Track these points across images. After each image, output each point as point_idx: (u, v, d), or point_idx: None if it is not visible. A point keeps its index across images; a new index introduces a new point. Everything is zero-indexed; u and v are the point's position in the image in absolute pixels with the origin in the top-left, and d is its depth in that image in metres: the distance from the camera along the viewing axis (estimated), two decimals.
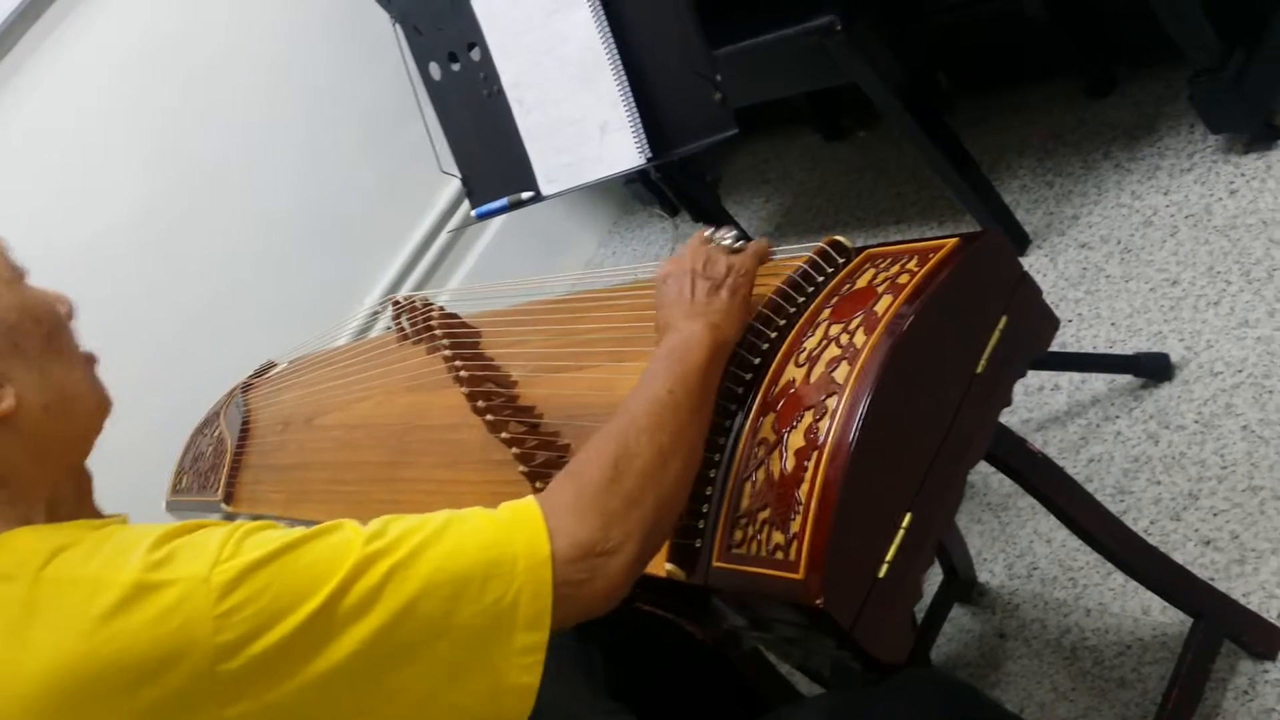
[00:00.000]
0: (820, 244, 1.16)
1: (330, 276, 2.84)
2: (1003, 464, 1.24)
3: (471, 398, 1.35)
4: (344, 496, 1.59)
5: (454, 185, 2.86)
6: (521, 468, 1.23)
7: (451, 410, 1.42)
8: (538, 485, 1.20)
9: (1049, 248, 2.12)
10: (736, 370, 1.08)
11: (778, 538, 0.96)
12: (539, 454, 1.23)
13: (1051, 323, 1.14)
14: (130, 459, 2.31)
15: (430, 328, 1.60)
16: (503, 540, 0.84)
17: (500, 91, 1.63)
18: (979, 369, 1.04)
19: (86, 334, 2.56)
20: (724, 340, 1.05)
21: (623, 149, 1.48)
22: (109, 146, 2.55)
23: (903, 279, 1.05)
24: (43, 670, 0.72)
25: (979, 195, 2.11)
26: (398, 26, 1.76)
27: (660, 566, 1.05)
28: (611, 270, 3.10)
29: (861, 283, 1.09)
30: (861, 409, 0.96)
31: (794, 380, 1.04)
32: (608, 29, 1.47)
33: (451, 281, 3.04)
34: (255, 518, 1.82)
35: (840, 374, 1.00)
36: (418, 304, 1.73)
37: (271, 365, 2.26)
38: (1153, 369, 1.77)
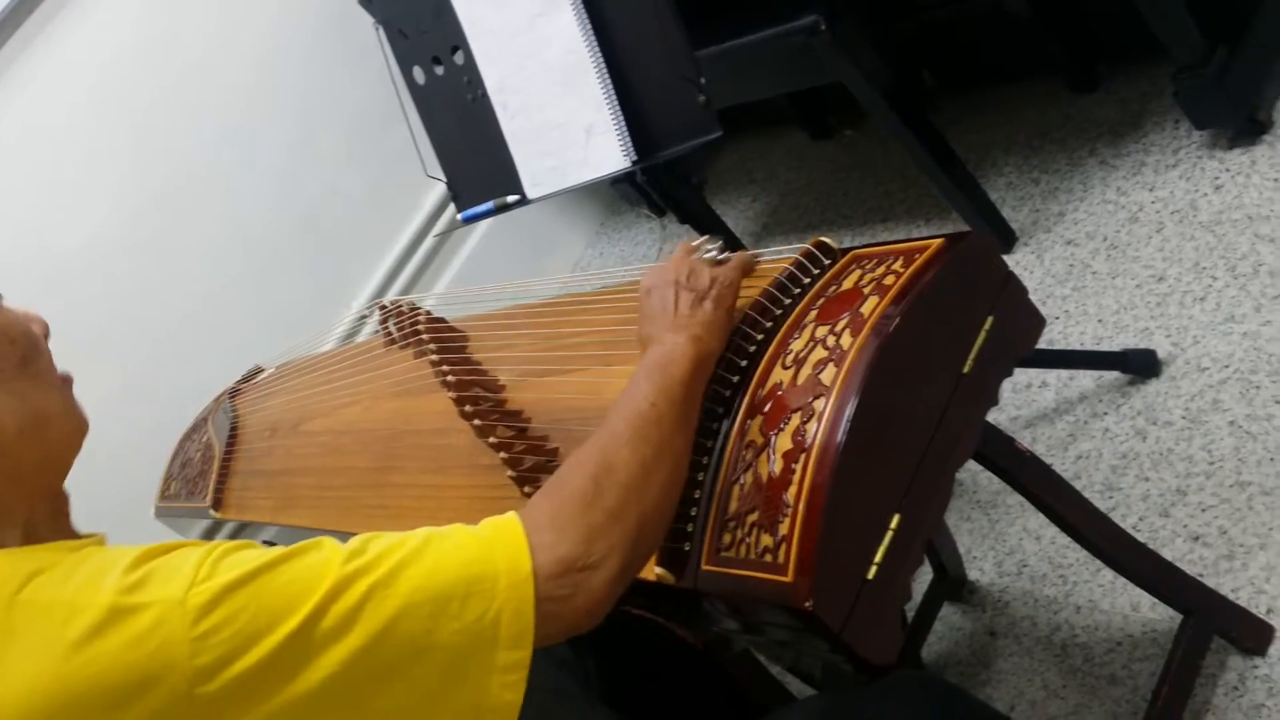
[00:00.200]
0: (806, 245, 1.16)
1: (317, 281, 2.83)
2: (991, 463, 1.24)
3: (459, 402, 1.35)
4: (332, 502, 1.59)
5: (440, 189, 2.85)
6: (510, 472, 1.22)
7: (439, 415, 1.42)
8: (526, 490, 1.20)
9: (1035, 245, 2.12)
10: (723, 373, 1.08)
11: (766, 540, 0.96)
12: (527, 458, 1.23)
13: (1038, 322, 1.14)
14: (119, 465, 2.31)
15: (417, 332, 1.60)
16: (484, 557, 0.84)
17: (484, 95, 1.62)
18: (966, 369, 1.04)
19: (73, 339, 2.55)
20: (707, 352, 1.05)
21: (607, 152, 1.48)
22: (94, 150, 2.54)
23: (889, 280, 1.05)
24: (18, 696, 0.71)
25: (965, 193, 2.11)
26: (381, 30, 1.76)
27: (650, 570, 1.04)
28: (599, 272, 3.10)
29: (848, 284, 1.09)
30: (848, 411, 0.96)
31: (781, 382, 1.03)
32: (591, 32, 1.47)
33: (438, 285, 3.04)
34: (244, 524, 1.82)
35: (827, 376, 0.99)
36: (404, 308, 1.73)
37: (259, 370, 2.26)
38: (1140, 365, 1.78)
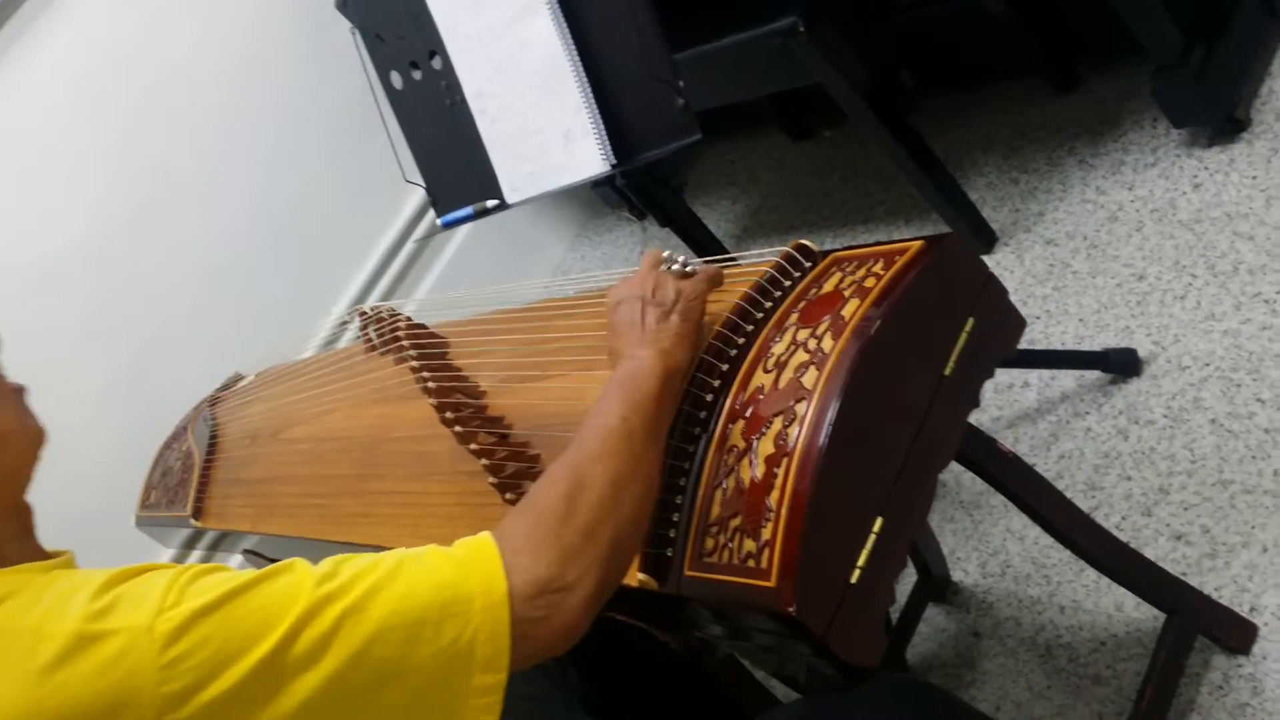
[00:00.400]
0: (786, 248, 1.16)
1: (297, 287, 2.82)
2: (973, 464, 1.24)
3: (440, 409, 1.34)
4: (313, 510, 1.58)
5: (419, 194, 2.84)
6: (491, 479, 1.22)
7: (420, 422, 1.41)
8: (508, 496, 1.19)
9: (1015, 245, 2.12)
10: (705, 377, 1.07)
11: (749, 545, 0.96)
12: (509, 465, 1.22)
13: (1019, 323, 1.14)
14: (99, 474, 2.31)
15: (397, 338, 1.59)
16: (458, 580, 0.82)
17: (463, 100, 1.62)
18: (947, 371, 1.04)
19: (51, 347, 2.55)
20: (676, 366, 1.04)
21: (587, 156, 1.48)
22: (70, 157, 2.52)
23: (869, 282, 1.04)
24: None
25: (945, 194, 2.11)
26: (358, 35, 1.75)
27: (633, 576, 1.04)
28: (580, 276, 3.09)
29: (828, 287, 1.08)
30: (830, 414, 0.95)
31: (763, 386, 1.03)
32: (569, 36, 1.46)
33: (419, 290, 3.03)
34: (225, 533, 1.81)
35: (809, 379, 0.99)
36: (384, 314, 1.72)
37: (239, 378, 2.24)
38: (1121, 364, 1.78)
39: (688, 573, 1.01)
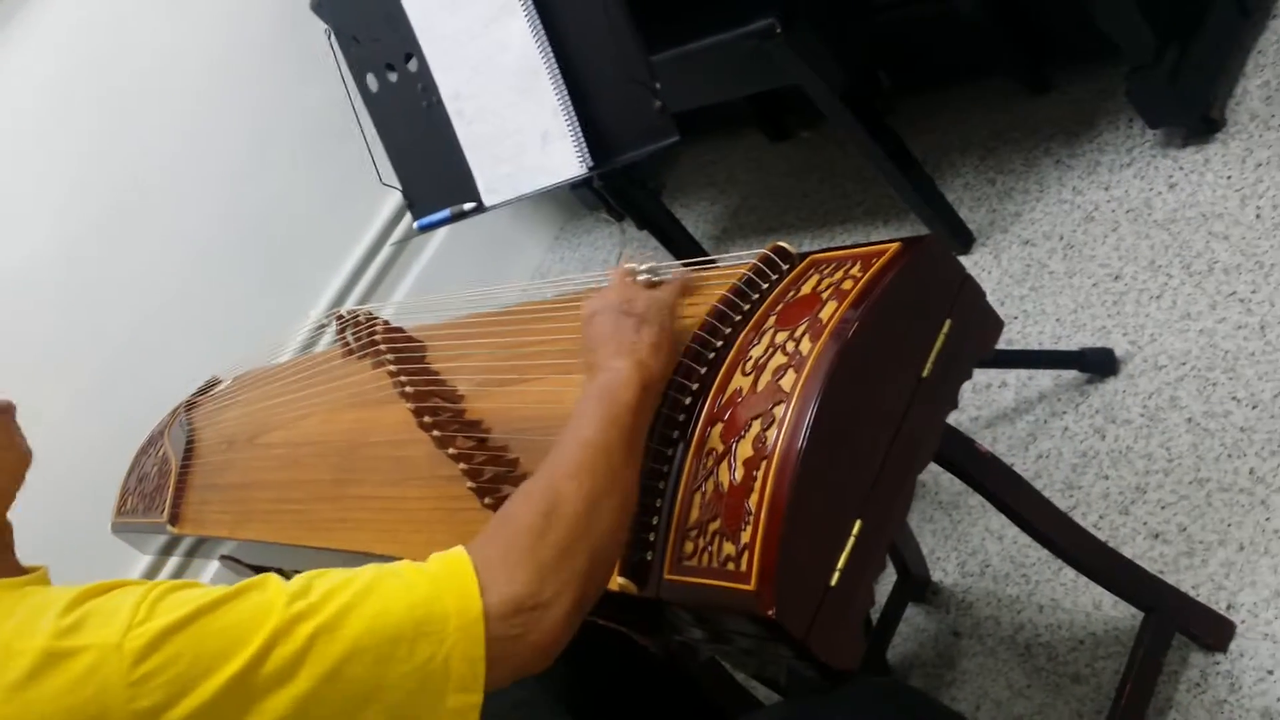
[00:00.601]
0: (764, 250, 1.16)
1: (273, 291, 2.81)
2: (952, 465, 1.24)
3: (417, 413, 1.34)
4: (291, 515, 1.57)
5: (396, 197, 2.84)
6: (469, 483, 1.21)
7: (398, 426, 1.41)
8: (486, 501, 1.19)
9: (993, 245, 2.13)
10: (683, 380, 1.07)
11: (728, 549, 0.96)
12: (487, 469, 1.22)
13: (996, 324, 1.14)
14: (75, 480, 2.29)
15: (375, 342, 1.58)
16: (433, 598, 0.82)
17: (439, 102, 1.61)
18: (925, 372, 1.04)
19: (23, 353, 2.53)
20: (652, 377, 1.04)
21: (564, 158, 1.47)
22: (41, 160, 2.51)
23: (846, 284, 1.04)
24: None
25: (922, 194, 2.12)
26: (333, 37, 1.74)
27: (612, 580, 1.03)
28: (559, 279, 3.09)
29: (806, 289, 1.08)
30: (809, 417, 0.95)
31: (741, 389, 1.03)
32: (545, 38, 1.46)
33: (397, 293, 3.02)
34: (202, 539, 1.80)
35: (787, 382, 0.99)
36: (361, 318, 1.71)
37: (216, 382, 2.23)
38: (1098, 364, 1.79)
39: (667, 576, 1.01)
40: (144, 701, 0.71)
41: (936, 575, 1.78)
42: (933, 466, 1.13)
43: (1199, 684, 1.42)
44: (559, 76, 1.46)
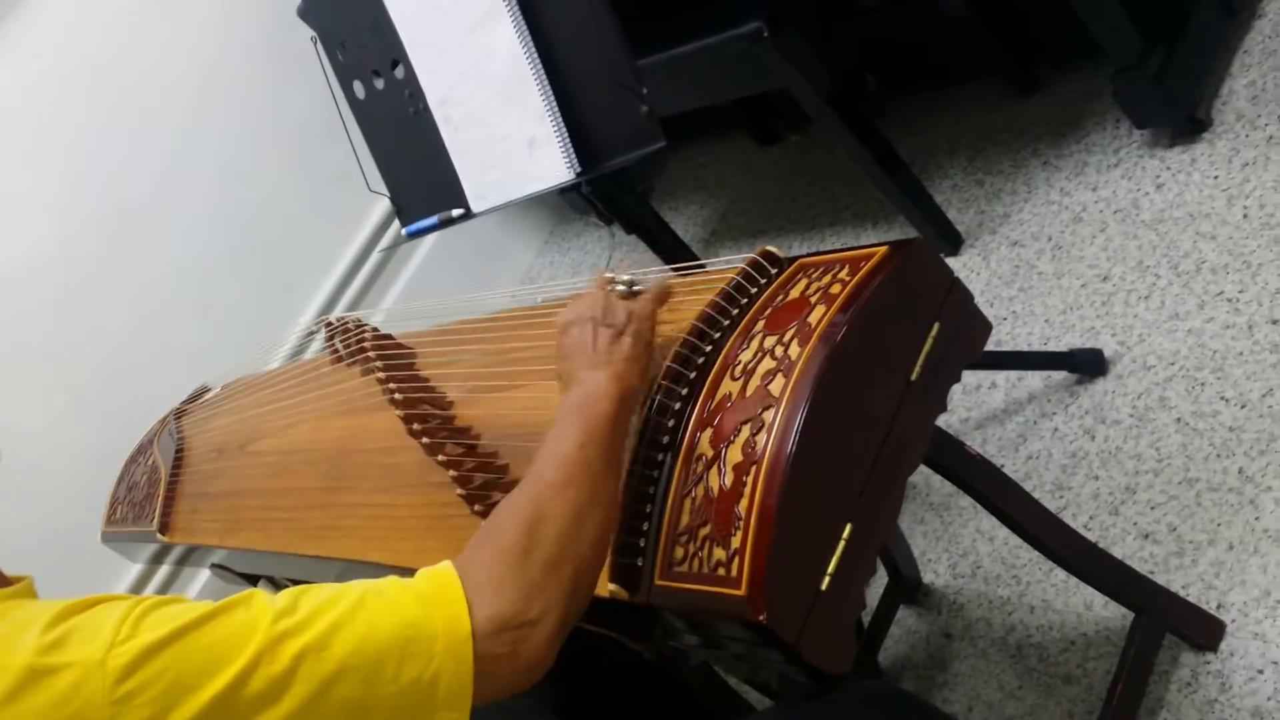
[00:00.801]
0: (752, 255, 1.16)
1: (262, 298, 2.80)
2: (942, 468, 1.24)
3: (406, 420, 1.34)
4: (281, 523, 1.57)
5: (384, 203, 2.84)
6: (459, 490, 1.21)
7: (388, 433, 1.41)
8: (476, 508, 1.19)
9: (981, 247, 2.13)
10: (672, 386, 1.07)
11: (719, 554, 0.96)
12: (476, 476, 1.22)
13: (984, 326, 1.14)
14: (63, 490, 2.28)
15: (364, 349, 1.58)
16: (420, 617, 0.81)
17: (426, 109, 1.61)
18: (914, 376, 1.04)
19: (11, 361, 2.51)
20: (629, 388, 1.03)
21: (551, 164, 1.47)
22: (31, 167, 2.50)
23: (835, 289, 1.05)
24: None
25: (911, 197, 2.12)
26: (319, 44, 1.74)
27: (603, 586, 1.03)
28: (546, 284, 3.09)
29: (794, 293, 1.08)
30: (798, 421, 0.96)
31: (730, 394, 1.03)
32: (531, 44, 1.46)
33: (386, 299, 3.01)
34: (192, 548, 1.80)
35: (776, 386, 0.99)
36: (350, 325, 1.71)
37: (205, 390, 2.23)
38: (1087, 365, 1.79)
39: (658, 582, 1.01)
40: (127, 719, 0.71)
41: (928, 577, 1.78)
42: (923, 468, 1.14)
43: (1190, 684, 1.42)
44: (545, 82, 1.46)
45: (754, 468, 0.96)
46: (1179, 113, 1.91)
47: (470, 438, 1.30)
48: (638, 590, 1.03)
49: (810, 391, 0.97)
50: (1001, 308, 2.00)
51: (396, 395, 1.39)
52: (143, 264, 2.63)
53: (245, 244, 2.79)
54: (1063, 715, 1.51)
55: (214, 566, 1.85)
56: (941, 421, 1.14)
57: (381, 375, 1.47)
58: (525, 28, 1.45)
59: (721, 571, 0.95)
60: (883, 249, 1.07)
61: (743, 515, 0.95)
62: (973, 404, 1.92)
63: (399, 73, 1.64)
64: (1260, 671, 1.38)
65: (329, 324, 1.81)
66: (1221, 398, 1.62)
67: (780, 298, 1.10)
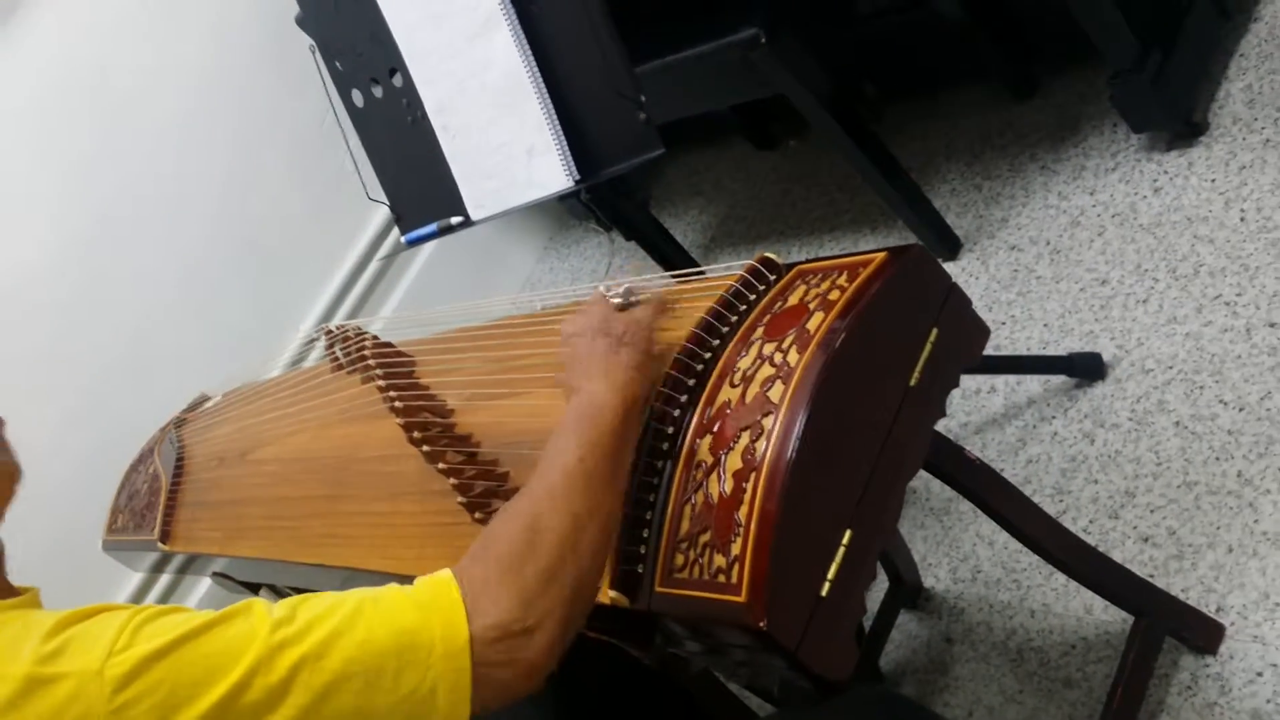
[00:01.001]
0: (751, 261, 1.16)
1: (262, 306, 2.81)
2: (941, 473, 1.25)
3: (407, 428, 1.34)
4: (281, 532, 1.57)
5: (384, 211, 2.85)
6: (460, 498, 1.21)
7: (388, 441, 1.41)
8: (477, 516, 1.19)
9: (980, 251, 2.14)
10: (671, 393, 1.07)
11: (719, 561, 0.96)
12: (477, 483, 1.22)
13: (982, 332, 1.14)
14: (65, 498, 2.28)
15: (364, 357, 1.58)
16: (419, 626, 0.82)
17: (424, 117, 1.61)
18: (912, 381, 1.05)
19: (11, 371, 2.51)
20: (631, 398, 1.03)
21: (550, 172, 1.48)
22: (30, 175, 2.51)
23: (833, 295, 1.05)
24: None
25: (909, 201, 2.13)
26: (317, 52, 1.74)
27: (604, 593, 1.04)
28: (546, 291, 3.09)
29: (793, 300, 1.09)
30: (797, 428, 0.96)
31: (729, 401, 1.03)
32: (529, 52, 1.46)
33: (386, 307, 3.01)
34: (193, 556, 1.80)
35: (775, 393, 0.99)
36: (350, 333, 1.71)
37: (205, 398, 2.23)
38: (1086, 369, 1.79)
39: (658, 589, 1.01)
40: None
41: (928, 582, 1.78)
42: (923, 473, 1.14)
43: (1190, 687, 1.43)
44: (544, 90, 1.47)
45: (754, 474, 0.96)
46: (1176, 116, 1.92)
47: (471, 445, 1.30)
48: (638, 597, 1.03)
49: (809, 398, 0.97)
50: (1000, 312, 2.01)
51: (396, 403, 1.39)
52: (142, 273, 2.64)
53: (245, 252, 2.79)
54: (1063, 719, 1.52)
55: (215, 575, 1.86)
56: (941, 426, 1.14)
57: (381, 383, 1.47)
58: (523, 36, 1.46)
59: (722, 578, 0.95)
60: (881, 255, 1.07)
61: (743, 522, 0.95)
62: (972, 409, 1.92)
63: (397, 81, 1.64)
64: (1260, 674, 1.39)
65: (329, 332, 1.81)
66: (1220, 401, 1.62)
67: (779, 304, 1.10)
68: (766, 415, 0.98)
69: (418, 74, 1.60)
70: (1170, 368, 1.71)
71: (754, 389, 1.01)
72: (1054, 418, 1.80)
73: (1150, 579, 1.47)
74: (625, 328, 1.09)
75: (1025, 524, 1.31)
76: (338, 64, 1.74)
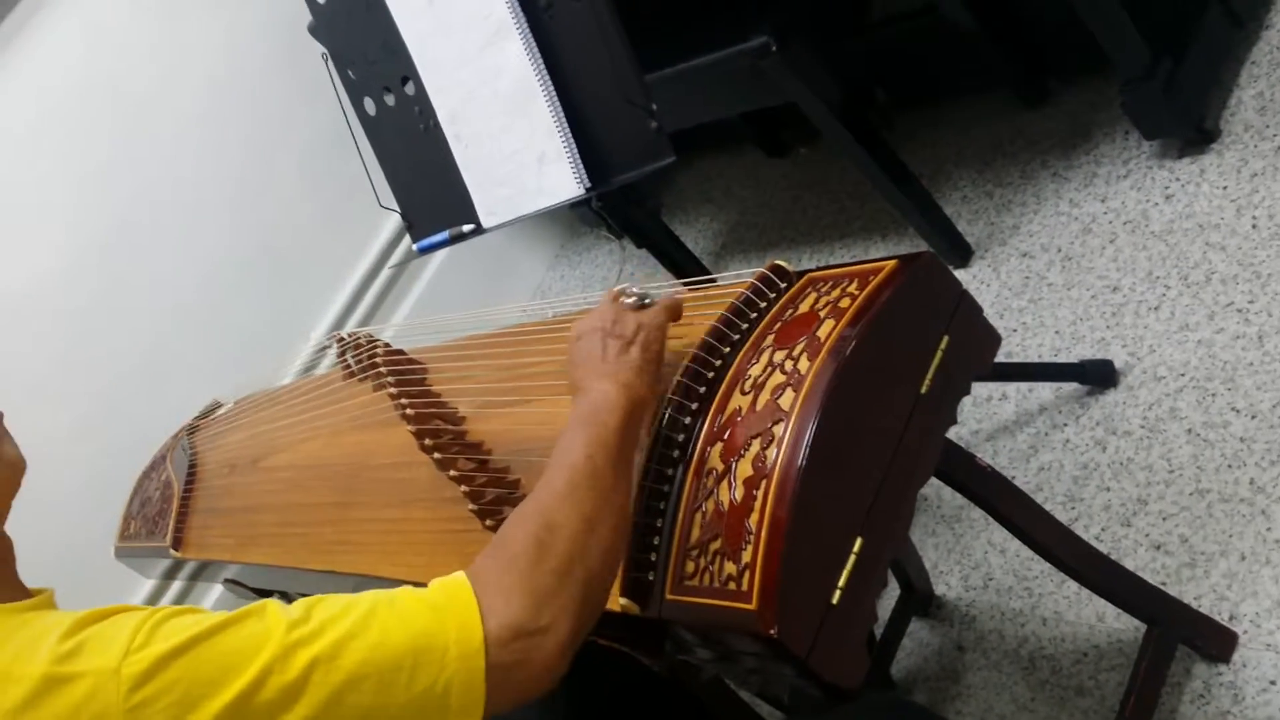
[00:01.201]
0: (762, 269, 1.16)
1: (274, 313, 2.81)
2: (952, 480, 1.24)
3: (419, 435, 1.34)
4: (293, 539, 1.57)
5: (396, 219, 2.85)
6: (471, 505, 1.22)
7: (400, 448, 1.41)
8: (488, 523, 1.19)
9: (991, 258, 2.14)
10: (682, 400, 1.08)
11: (729, 568, 0.96)
12: (488, 491, 1.22)
13: (993, 339, 1.14)
14: (77, 505, 2.30)
15: (375, 364, 1.59)
16: (433, 627, 0.82)
17: (436, 125, 1.62)
18: (924, 389, 1.05)
19: (26, 377, 2.52)
20: (638, 399, 1.04)
21: (561, 180, 1.48)
22: (45, 183, 2.52)
23: (844, 303, 1.05)
24: None
25: (920, 209, 2.13)
26: (330, 61, 1.75)
27: (614, 600, 1.04)
28: (557, 299, 3.09)
29: (804, 307, 1.09)
30: (808, 435, 0.96)
31: (740, 408, 1.03)
32: (540, 60, 1.46)
33: (398, 314, 3.02)
34: (205, 563, 1.80)
35: (786, 400, 0.99)
36: (362, 340, 1.72)
37: (217, 405, 2.24)
38: (1098, 376, 1.79)
39: (669, 596, 1.01)
40: None
41: (940, 589, 1.78)
42: (934, 480, 1.14)
43: (1202, 695, 1.42)
44: (555, 98, 1.47)
45: (764, 482, 0.96)
46: (1187, 124, 1.91)
47: (482, 453, 1.31)
48: (649, 604, 1.03)
49: (820, 405, 0.97)
50: (1011, 319, 2.00)
51: (408, 410, 1.39)
52: (155, 280, 2.65)
53: (257, 260, 2.80)
54: None
55: (227, 582, 1.86)
56: (952, 434, 1.14)
57: (393, 390, 1.48)
58: (534, 45, 1.46)
59: (732, 585, 0.95)
60: (892, 262, 1.07)
61: (753, 529, 0.95)
62: (983, 416, 1.92)
63: (409, 89, 1.65)
64: (1273, 683, 1.38)
65: (341, 339, 1.82)
66: (1232, 408, 1.62)
67: (790, 312, 1.10)
68: (777, 423, 0.98)
69: (430, 82, 1.61)
70: (1182, 375, 1.71)
71: (765, 396, 1.02)
72: (1066, 425, 1.80)
73: (1162, 587, 1.47)
74: (635, 328, 1.09)
75: (1037, 531, 1.31)
76: (350, 72, 1.75)
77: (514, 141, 1.52)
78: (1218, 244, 1.80)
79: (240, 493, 1.78)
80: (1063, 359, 1.88)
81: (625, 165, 1.47)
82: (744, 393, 1.04)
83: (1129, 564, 1.54)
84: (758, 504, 0.96)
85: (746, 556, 0.95)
